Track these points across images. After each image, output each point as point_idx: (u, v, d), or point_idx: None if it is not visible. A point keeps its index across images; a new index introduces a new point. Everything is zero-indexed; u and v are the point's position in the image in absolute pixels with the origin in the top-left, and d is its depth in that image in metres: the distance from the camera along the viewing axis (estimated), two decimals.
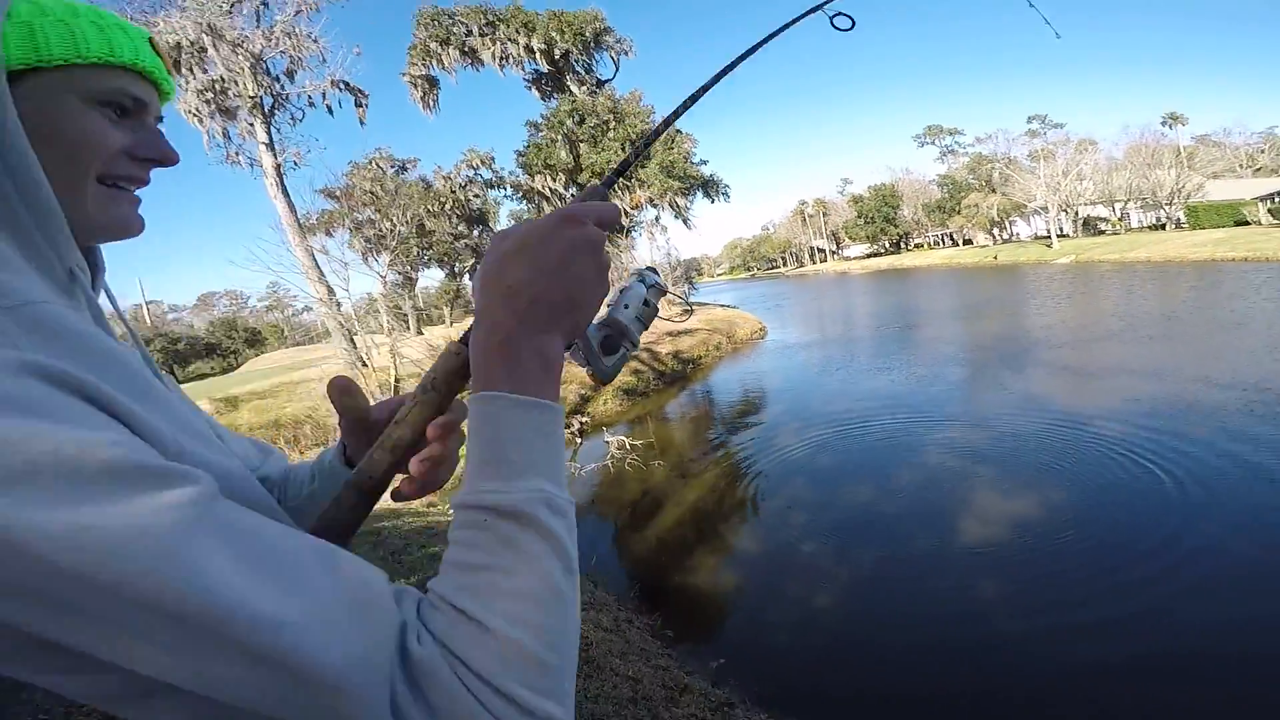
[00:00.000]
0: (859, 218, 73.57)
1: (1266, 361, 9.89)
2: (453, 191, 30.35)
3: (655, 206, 27.95)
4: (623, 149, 26.62)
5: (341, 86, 15.11)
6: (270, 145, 13.68)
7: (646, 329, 0.66)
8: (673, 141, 27.61)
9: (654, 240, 28.17)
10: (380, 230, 23.61)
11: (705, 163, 28.74)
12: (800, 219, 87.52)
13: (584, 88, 28.81)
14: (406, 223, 25.54)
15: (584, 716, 2.78)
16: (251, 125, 13.61)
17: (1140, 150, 51.19)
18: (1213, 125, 76.68)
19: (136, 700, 0.42)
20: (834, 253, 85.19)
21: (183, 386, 0.71)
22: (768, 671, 4.16)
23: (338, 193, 22.89)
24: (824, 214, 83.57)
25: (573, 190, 28.29)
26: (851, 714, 3.73)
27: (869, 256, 75.13)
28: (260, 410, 11.40)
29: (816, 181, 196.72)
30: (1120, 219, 52.67)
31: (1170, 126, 61.80)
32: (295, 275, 13.09)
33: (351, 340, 13.76)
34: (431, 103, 27.29)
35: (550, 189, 27.85)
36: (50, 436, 0.37)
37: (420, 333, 24.63)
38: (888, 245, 74.14)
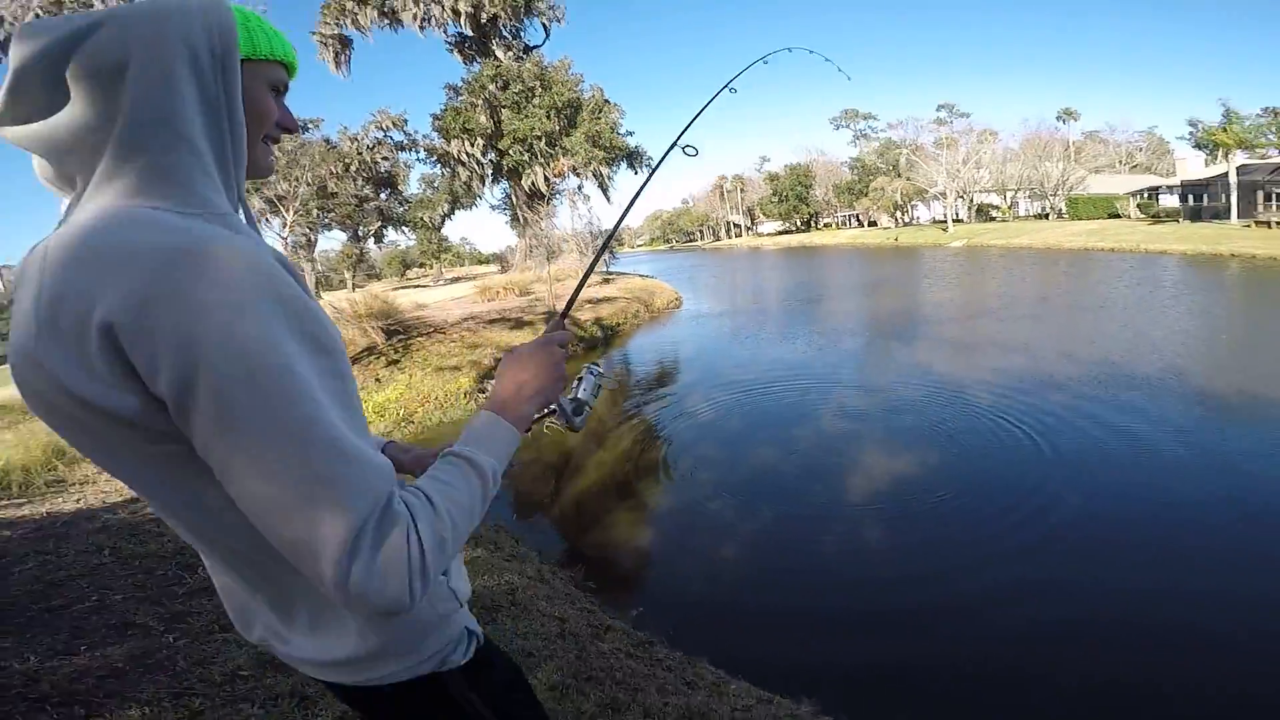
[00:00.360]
0: (774, 195, 75.38)
1: (1121, 341, 11.38)
2: (360, 153, 29.02)
3: (578, 176, 27.72)
4: (548, 117, 26.14)
5: None
6: None
7: (596, 400, 1.13)
8: (600, 111, 27.35)
9: (575, 209, 27.98)
10: (279, 191, 22.33)
11: (631, 134, 28.71)
12: (719, 194, 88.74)
13: (510, 53, 27.96)
14: (308, 184, 24.25)
15: (515, 650, 2.92)
16: None
17: (1035, 143, 54.82)
18: (1100, 122, 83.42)
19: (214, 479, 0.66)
20: (749, 228, 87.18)
21: None
22: (682, 616, 4.50)
23: None
24: (741, 190, 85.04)
25: (491, 155, 27.62)
26: (753, 651, 4.06)
27: (781, 233, 77.25)
28: None
29: (737, 158, 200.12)
30: (1010, 207, 56.51)
31: (1064, 121, 66.43)
32: None
33: None
34: (343, 62, 25.80)
35: (468, 154, 27.04)
36: (293, 290, 0.68)
37: (320, 296, 23.60)
38: (799, 223, 76.53)
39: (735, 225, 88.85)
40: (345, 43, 26.35)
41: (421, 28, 26.53)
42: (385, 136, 29.80)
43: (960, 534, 5.30)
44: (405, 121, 29.57)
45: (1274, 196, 30.67)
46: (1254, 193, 31.13)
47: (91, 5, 12.50)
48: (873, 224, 67.27)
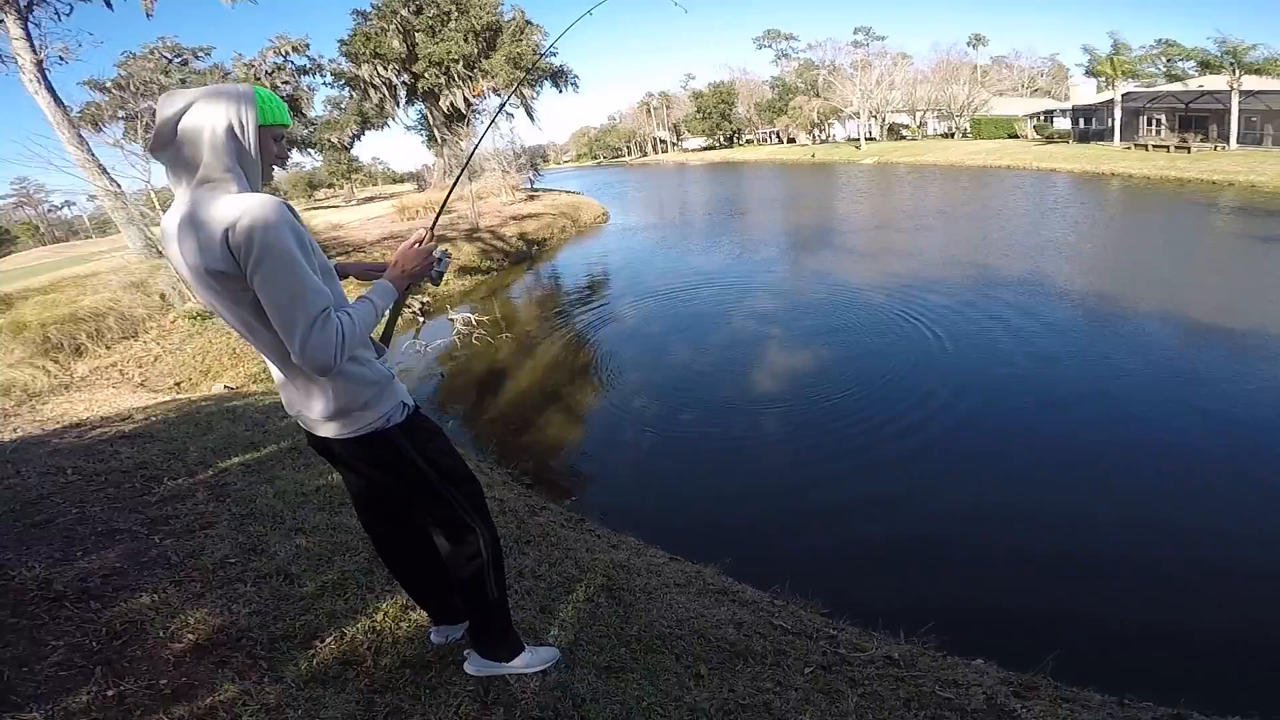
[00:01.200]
0: (698, 112, 74.56)
1: (1004, 248, 12.63)
2: (256, 79, 27.06)
3: (499, 95, 26.83)
4: (465, 40, 25.01)
5: None
6: (28, 39, 11.95)
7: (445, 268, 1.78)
8: (522, 33, 26.30)
9: (498, 129, 27.23)
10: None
11: (555, 54, 27.74)
12: (645, 111, 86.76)
13: None
14: None
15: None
16: (2, 21, 11.61)
17: (945, 66, 55.89)
18: (1008, 48, 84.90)
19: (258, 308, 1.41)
20: (675, 144, 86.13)
21: None
22: (609, 501, 4.94)
23: (108, 84, 20.42)
24: (667, 107, 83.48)
25: (405, 77, 26.41)
26: (669, 526, 4.48)
27: (706, 149, 76.86)
28: (46, 306, 10.30)
29: (663, 75, 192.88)
30: (919, 126, 58.11)
31: (974, 46, 67.65)
32: (69, 170, 12.08)
33: (145, 230, 12.86)
34: None
35: (381, 77, 25.80)
36: (294, 220, 1.42)
37: None
38: (723, 139, 76.32)
39: (662, 141, 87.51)
40: None
41: None
42: (285, 61, 28.11)
43: (851, 423, 5.99)
44: (307, 46, 27.87)
45: (1154, 121, 33.00)
46: (1136, 117, 33.28)
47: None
48: (791, 140, 67.86)
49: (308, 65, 28.37)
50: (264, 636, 2.11)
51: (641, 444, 6.12)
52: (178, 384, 8.67)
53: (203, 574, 2.57)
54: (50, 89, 12.34)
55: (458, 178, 3.17)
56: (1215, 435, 5.19)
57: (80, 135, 12.62)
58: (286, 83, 28.16)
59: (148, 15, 15.29)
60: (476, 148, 22.80)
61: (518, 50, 25.97)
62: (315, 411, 1.53)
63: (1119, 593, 3.53)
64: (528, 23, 26.82)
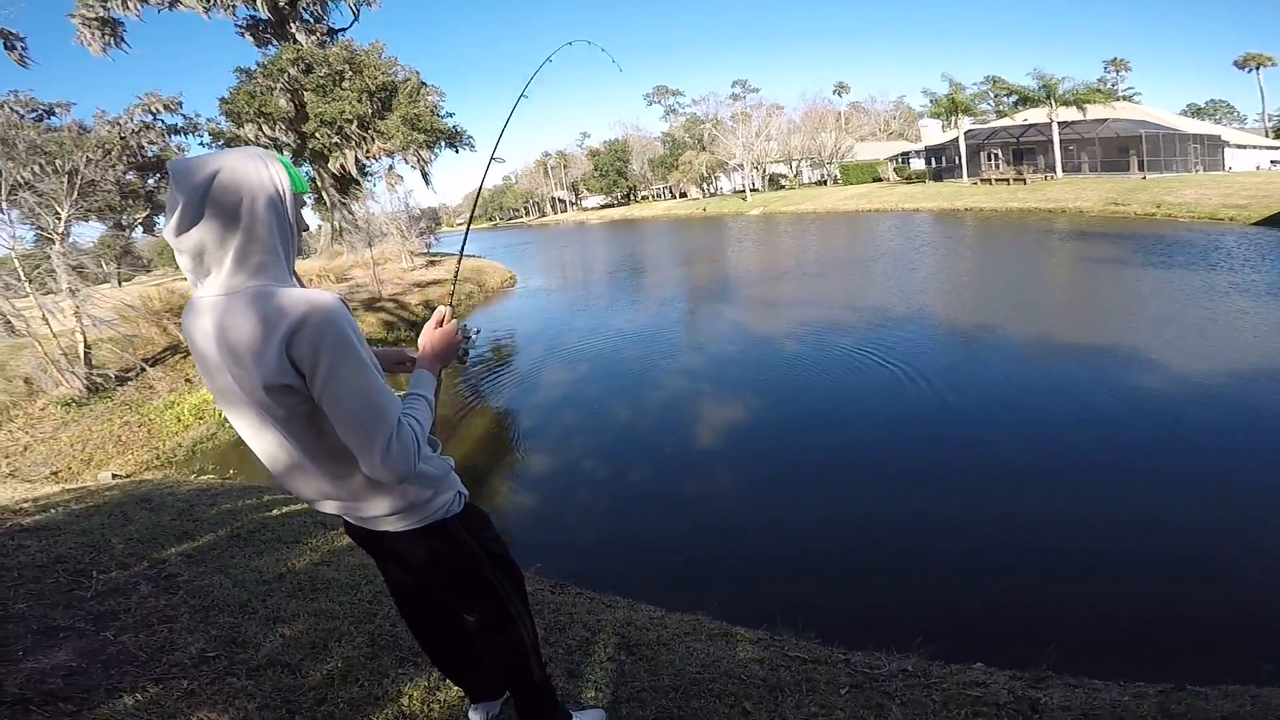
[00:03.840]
0: (595, 170, 76.87)
1: (886, 287, 13.91)
2: (122, 138, 25.45)
3: (392, 157, 26.57)
4: (359, 100, 24.73)
5: None
6: None
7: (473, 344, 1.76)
8: (418, 94, 26.31)
9: (393, 191, 26.86)
10: (20, 181, 19.13)
11: (451, 115, 27.96)
12: (543, 170, 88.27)
13: (313, 37, 25.88)
14: (53, 173, 20.92)
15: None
16: None
17: (813, 115, 60.88)
18: (864, 94, 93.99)
19: (318, 414, 1.27)
20: (574, 203, 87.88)
21: None
22: (581, 564, 4.87)
23: None
24: (565, 166, 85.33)
25: (293, 137, 25.59)
26: (648, 581, 4.50)
27: (604, 207, 78.97)
28: None
29: (559, 135, 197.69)
30: (795, 175, 62.85)
31: (838, 94, 74.09)
32: None
33: (7, 306, 11.55)
34: (112, 43, 22.39)
35: (269, 137, 24.87)
36: (350, 316, 1.27)
37: (75, 293, 20.60)
38: (620, 196, 78.81)
39: (560, 200, 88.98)
40: (111, 24, 23.27)
41: (206, 9, 23.82)
42: (155, 120, 26.68)
43: (793, 461, 6.48)
44: (180, 104, 26.65)
45: (993, 156, 37.67)
46: (978, 153, 37.97)
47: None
48: (683, 195, 71.14)
49: (181, 124, 27.10)
50: None
51: (598, 506, 6.13)
52: (55, 473, 8.07)
53: (183, 670, 2.34)
54: None
55: (468, 228, 3.21)
56: (1092, 437, 6.08)
57: None
58: (154, 143, 26.74)
59: (24, 66, 14.13)
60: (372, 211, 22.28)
61: (414, 111, 25.88)
62: (377, 509, 1.44)
63: (1070, 587, 4.01)
64: (423, 84, 26.90)
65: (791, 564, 4.72)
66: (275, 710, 2.10)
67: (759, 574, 4.63)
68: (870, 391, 8.02)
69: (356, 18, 27.34)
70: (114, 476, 7.54)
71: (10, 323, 11.54)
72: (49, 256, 11.61)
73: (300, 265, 24.36)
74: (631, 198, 78.88)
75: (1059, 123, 31.47)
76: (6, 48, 13.23)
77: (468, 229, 2.27)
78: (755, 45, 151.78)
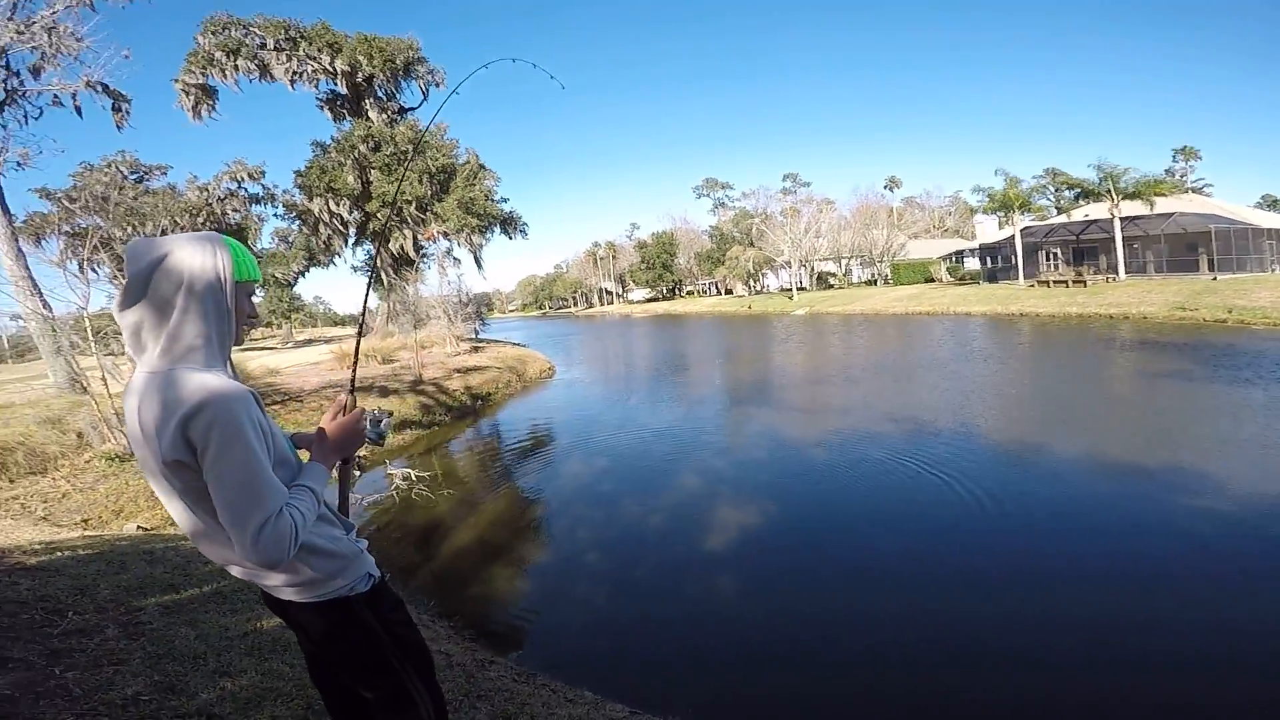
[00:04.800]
0: (643, 263, 78.74)
1: (933, 399, 13.29)
2: (208, 203, 27.20)
3: (449, 239, 27.69)
4: (419, 181, 26.06)
5: (99, 88, 13.40)
6: None
7: (385, 431, 1.79)
8: (475, 177, 27.63)
9: (445, 274, 27.84)
10: (108, 237, 20.63)
11: (506, 200, 29.26)
12: (592, 260, 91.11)
13: (384, 114, 27.84)
14: (146, 234, 22.51)
15: None
16: None
17: (864, 211, 60.83)
18: (918, 189, 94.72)
19: (206, 501, 1.34)
20: (620, 295, 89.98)
21: None
22: (560, 656, 4.81)
23: (59, 194, 19.78)
24: (613, 257, 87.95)
25: (356, 214, 27.00)
26: (628, 680, 4.45)
27: (649, 300, 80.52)
28: None
29: (609, 223, 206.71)
30: (845, 274, 62.60)
31: (890, 189, 74.89)
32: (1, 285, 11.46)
33: (72, 364, 12.14)
34: (204, 111, 24.62)
35: (332, 212, 26.28)
36: (254, 408, 1.38)
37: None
38: (665, 290, 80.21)
39: (608, 292, 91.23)
40: (208, 92, 25.30)
41: (292, 82, 26.05)
42: (239, 188, 28.13)
43: (800, 576, 6.10)
44: (263, 174, 28.18)
45: (1051, 255, 36.61)
46: (1035, 253, 37.01)
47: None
48: (729, 291, 71.77)
49: (261, 194, 28.51)
50: None
51: (593, 600, 5.96)
52: (85, 521, 8.25)
53: (110, 709, 2.42)
54: (0, 195, 12.03)
55: (359, 333, 3.19)
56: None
57: (19, 249, 12.20)
58: (237, 210, 28.12)
59: (119, 128, 15.53)
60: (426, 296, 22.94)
61: (470, 195, 26.97)
62: (273, 580, 1.50)
63: None
64: (481, 166, 28.22)
65: (788, 682, 4.41)
66: None
67: (745, 685, 4.41)
68: (903, 508, 7.45)
69: (425, 98, 29.22)
70: (139, 528, 7.73)
71: (75, 380, 12.16)
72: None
73: (352, 343, 25.13)
74: (677, 292, 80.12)
75: (1122, 218, 30.23)
76: (114, 109, 14.54)
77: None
78: (807, 138, 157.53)
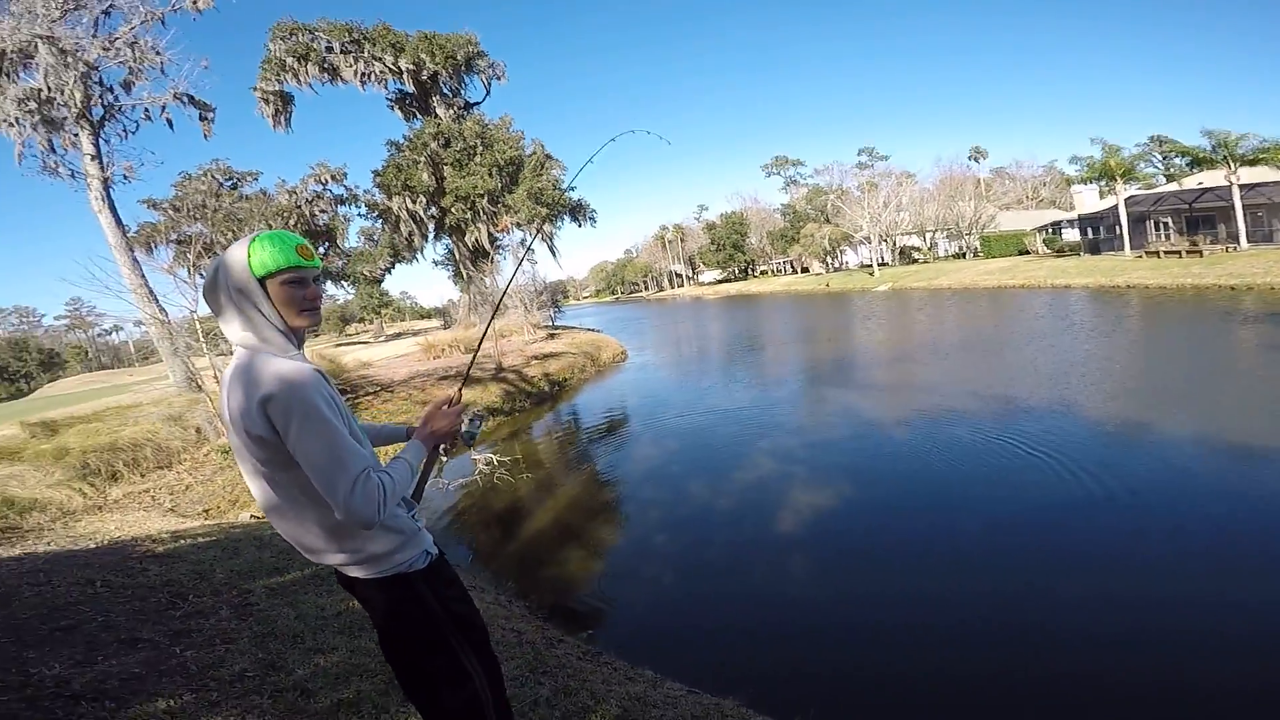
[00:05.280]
0: (712, 244, 77.39)
1: (1028, 377, 12.35)
2: (297, 206, 28.80)
3: (522, 230, 28.22)
4: (490, 175, 26.67)
5: (185, 100, 14.43)
6: (98, 157, 12.84)
7: (477, 429, 1.96)
8: (542, 168, 28.02)
9: (519, 264, 28.47)
10: (210, 242, 22.24)
11: (574, 189, 29.54)
12: (661, 244, 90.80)
13: (451, 110, 28.58)
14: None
15: None
16: (77, 136, 12.69)
17: (949, 182, 57.52)
18: (1008, 159, 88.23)
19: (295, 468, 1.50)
20: (690, 278, 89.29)
21: None
22: (628, 636, 4.91)
23: (164, 204, 21.49)
24: (682, 239, 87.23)
25: (433, 211, 27.91)
26: (690, 661, 4.41)
27: (721, 282, 79.14)
28: (89, 434, 10.93)
29: (677, 206, 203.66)
30: (930, 248, 59.37)
31: (975, 160, 70.30)
32: (122, 293, 12.52)
33: (188, 364, 13.21)
34: (284, 119, 26.05)
35: (409, 210, 27.28)
36: (325, 386, 1.55)
37: None
38: (737, 271, 78.69)
39: (677, 275, 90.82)
40: (286, 98, 26.65)
41: (362, 84, 27.13)
42: (324, 190, 29.39)
43: (873, 557, 5.92)
44: (345, 175, 29.41)
45: (1161, 225, 33.45)
46: (1143, 222, 33.93)
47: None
48: (805, 270, 69.33)
49: (344, 195, 29.74)
50: None
51: (662, 580, 6.04)
52: (206, 511, 9.02)
53: (220, 685, 2.66)
54: (113, 209, 13.10)
55: (484, 332, 3.35)
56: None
57: (135, 258, 13.30)
58: (324, 211, 29.47)
59: (205, 138, 16.66)
60: (506, 290, 23.54)
61: (538, 185, 27.33)
62: (334, 560, 1.61)
63: None
64: (548, 156, 28.56)
65: (850, 662, 4.36)
66: None
67: (810, 668, 4.35)
68: (987, 489, 7.06)
69: (488, 92, 29.81)
70: (251, 517, 8.32)
71: (191, 379, 13.24)
72: None
73: (437, 335, 26.43)
74: (749, 272, 78.44)
75: (1241, 185, 27.35)
76: (201, 119, 15.61)
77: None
78: (881, 111, 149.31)
